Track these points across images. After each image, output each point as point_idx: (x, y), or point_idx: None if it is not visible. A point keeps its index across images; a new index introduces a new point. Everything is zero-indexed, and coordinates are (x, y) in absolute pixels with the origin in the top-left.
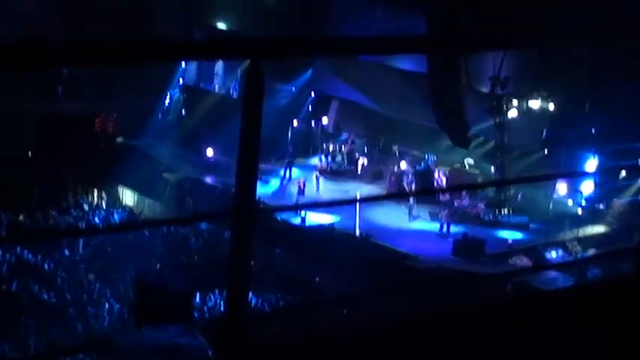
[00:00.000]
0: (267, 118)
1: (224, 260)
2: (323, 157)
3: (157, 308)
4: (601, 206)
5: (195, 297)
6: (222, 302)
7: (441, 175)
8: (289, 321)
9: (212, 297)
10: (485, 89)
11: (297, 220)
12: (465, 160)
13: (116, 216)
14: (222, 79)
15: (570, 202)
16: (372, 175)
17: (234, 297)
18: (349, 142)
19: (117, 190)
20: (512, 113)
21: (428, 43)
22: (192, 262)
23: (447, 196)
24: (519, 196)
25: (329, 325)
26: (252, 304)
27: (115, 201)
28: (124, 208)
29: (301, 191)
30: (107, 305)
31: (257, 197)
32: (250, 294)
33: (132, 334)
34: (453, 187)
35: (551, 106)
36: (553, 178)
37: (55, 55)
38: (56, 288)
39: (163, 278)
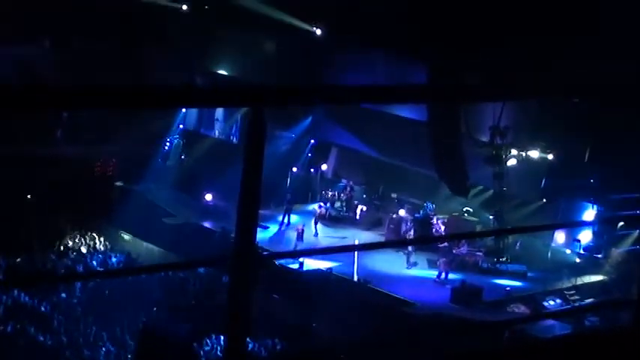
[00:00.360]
0: (266, 163)
1: (222, 305)
2: (322, 204)
3: (160, 355)
4: (599, 256)
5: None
6: (218, 347)
7: (439, 223)
8: None
9: (209, 342)
10: (484, 138)
11: (294, 265)
12: (464, 209)
13: (114, 259)
14: (222, 124)
15: (568, 251)
16: (371, 222)
17: (233, 342)
18: (348, 188)
19: (115, 234)
20: (512, 162)
21: (428, 92)
22: (189, 307)
23: (446, 244)
24: (518, 244)
25: None
26: (249, 349)
27: (113, 245)
28: (122, 252)
29: (300, 237)
30: (104, 349)
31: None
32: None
33: None
34: (452, 236)
35: (550, 156)
36: (552, 228)
37: (56, 98)
38: (52, 330)
39: (166, 325)
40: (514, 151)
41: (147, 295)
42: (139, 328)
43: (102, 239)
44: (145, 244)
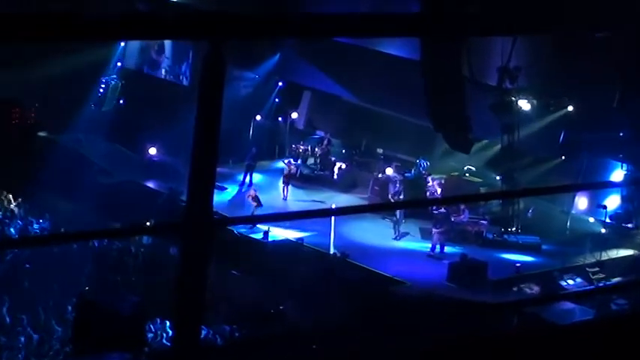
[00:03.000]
0: (224, 111)
1: (169, 283)
2: (292, 160)
3: (102, 333)
4: (629, 225)
5: None
6: (164, 334)
7: (435, 184)
8: (248, 357)
9: (153, 327)
10: (491, 82)
11: (258, 235)
12: (465, 167)
13: (36, 226)
14: (171, 62)
15: (592, 220)
16: (352, 182)
17: (183, 328)
18: (324, 142)
19: (38, 196)
20: (524, 110)
21: (422, 23)
22: (129, 284)
23: (443, 210)
24: (530, 211)
25: None
26: (202, 336)
27: (35, 208)
28: (46, 217)
29: (254, 203)
30: (22, 337)
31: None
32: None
33: None
34: (450, 199)
35: (570, 107)
36: (572, 190)
37: None
38: None
39: (110, 298)
40: (526, 98)
41: (76, 270)
42: (75, 301)
43: (21, 201)
44: (74, 207)
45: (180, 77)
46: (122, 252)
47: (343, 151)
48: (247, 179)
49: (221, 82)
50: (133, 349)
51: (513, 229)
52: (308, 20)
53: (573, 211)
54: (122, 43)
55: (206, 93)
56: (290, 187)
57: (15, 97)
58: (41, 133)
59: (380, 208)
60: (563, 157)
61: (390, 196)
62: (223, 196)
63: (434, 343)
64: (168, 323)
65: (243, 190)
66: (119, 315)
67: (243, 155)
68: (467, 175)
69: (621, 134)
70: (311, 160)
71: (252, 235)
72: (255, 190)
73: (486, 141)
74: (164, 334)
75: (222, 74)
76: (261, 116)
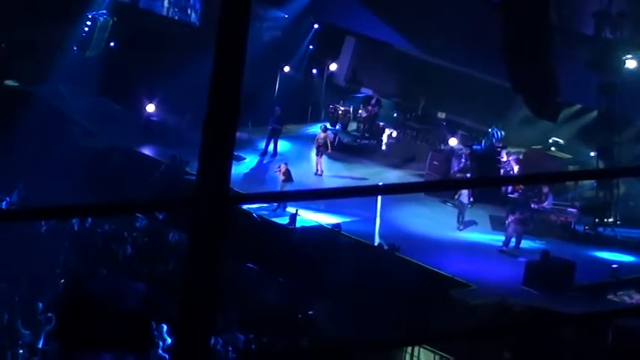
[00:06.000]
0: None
1: (169, 277)
2: (328, 125)
3: (99, 329)
4: None
5: None
6: (161, 342)
7: (511, 160)
8: None
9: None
10: (586, 31)
11: (283, 219)
12: (551, 139)
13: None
14: None
15: None
16: (404, 155)
17: (188, 336)
18: (371, 102)
19: (3, 164)
20: (630, 67)
21: None
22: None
23: (520, 193)
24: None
25: None
26: (210, 346)
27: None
28: (14, 191)
29: (287, 179)
30: None
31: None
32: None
33: None
34: (530, 179)
35: None
36: None
37: None
38: None
39: (108, 286)
40: (632, 52)
41: (49, 260)
42: (60, 289)
43: None
44: (49, 178)
45: (189, 12)
46: (108, 237)
47: (395, 114)
48: (271, 147)
49: (246, 18)
50: (139, 351)
51: (610, 219)
52: None
53: None
54: None
55: (225, 33)
56: (325, 158)
57: None
58: (9, 82)
59: (440, 187)
60: None
61: (452, 173)
62: (239, 169)
63: None
64: (165, 327)
65: (265, 161)
66: (123, 309)
67: (265, 117)
68: (552, 149)
69: None
70: (353, 125)
71: (276, 220)
72: (286, 164)
73: (579, 106)
74: (161, 343)
75: (248, 7)
76: (290, 67)
